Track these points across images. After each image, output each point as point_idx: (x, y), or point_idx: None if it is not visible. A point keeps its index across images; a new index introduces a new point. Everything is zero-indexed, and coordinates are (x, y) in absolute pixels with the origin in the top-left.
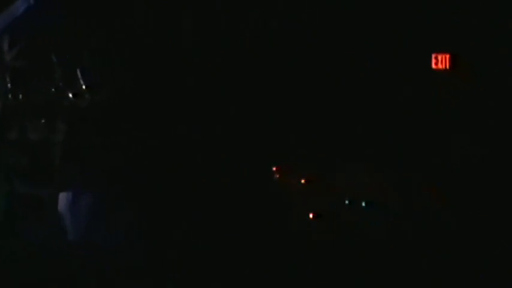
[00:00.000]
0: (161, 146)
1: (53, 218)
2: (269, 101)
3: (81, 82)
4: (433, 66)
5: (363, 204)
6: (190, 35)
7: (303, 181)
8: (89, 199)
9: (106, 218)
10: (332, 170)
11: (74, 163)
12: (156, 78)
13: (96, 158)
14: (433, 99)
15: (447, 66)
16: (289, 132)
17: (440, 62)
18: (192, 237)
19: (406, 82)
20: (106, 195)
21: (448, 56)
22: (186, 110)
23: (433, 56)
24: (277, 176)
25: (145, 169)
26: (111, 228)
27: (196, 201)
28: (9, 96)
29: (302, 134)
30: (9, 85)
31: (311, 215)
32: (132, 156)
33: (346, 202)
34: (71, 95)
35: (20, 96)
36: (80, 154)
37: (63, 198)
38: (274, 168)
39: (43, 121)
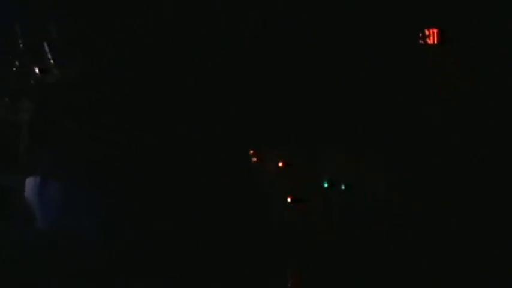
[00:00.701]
0: (135, 128)
1: (20, 205)
2: (245, 83)
3: (49, 56)
4: (421, 41)
5: (343, 187)
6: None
7: (280, 164)
8: (59, 185)
9: (77, 205)
10: (311, 152)
11: (42, 146)
12: (128, 54)
13: (66, 140)
14: (421, 76)
15: (435, 41)
16: (266, 114)
17: (429, 37)
18: (166, 221)
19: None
20: (77, 181)
21: (436, 31)
22: (160, 92)
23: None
24: (254, 159)
25: (120, 152)
26: (82, 216)
27: (171, 184)
28: None
29: (279, 116)
30: None
31: (289, 199)
32: (105, 137)
33: (325, 185)
34: (37, 71)
35: None
36: (49, 136)
37: (30, 183)
38: (251, 152)
39: (6, 100)
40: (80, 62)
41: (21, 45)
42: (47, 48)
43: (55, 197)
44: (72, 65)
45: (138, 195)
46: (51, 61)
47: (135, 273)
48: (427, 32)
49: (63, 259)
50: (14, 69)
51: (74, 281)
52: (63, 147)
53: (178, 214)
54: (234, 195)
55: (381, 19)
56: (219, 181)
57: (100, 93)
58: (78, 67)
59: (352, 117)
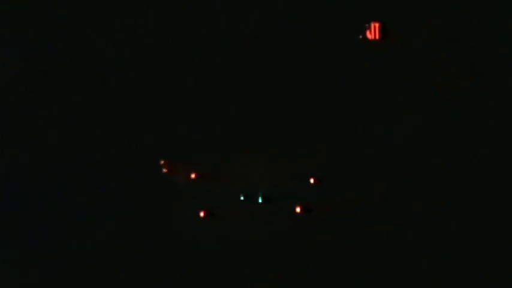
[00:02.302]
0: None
1: None
2: (155, 89)
3: None
4: (363, 36)
5: (260, 200)
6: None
7: (193, 176)
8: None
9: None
10: (225, 163)
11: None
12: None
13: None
14: (363, 71)
15: (377, 36)
16: (178, 122)
17: (371, 31)
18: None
19: (326, 55)
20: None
21: (378, 25)
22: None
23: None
24: (165, 170)
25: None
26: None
27: (72, 190)
28: None
29: (192, 124)
30: None
31: (202, 213)
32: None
33: (241, 198)
34: None
35: None
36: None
37: None
38: (162, 162)
39: None
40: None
41: None
42: None
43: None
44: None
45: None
46: None
47: None
48: (368, 27)
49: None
50: None
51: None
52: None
53: (80, 225)
54: (141, 207)
55: (320, 12)
56: (126, 193)
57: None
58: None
59: (273, 124)
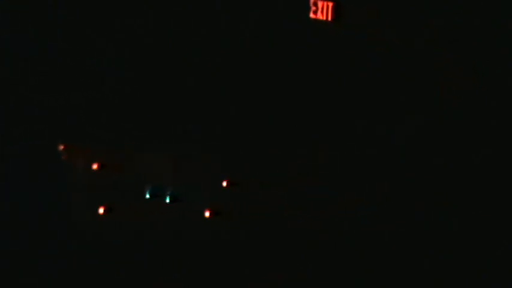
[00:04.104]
0: None
1: None
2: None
3: None
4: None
5: (167, 199)
6: None
7: (95, 166)
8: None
9: None
10: (133, 154)
11: None
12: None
13: None
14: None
15: (329, 17)
16: (80, 102)
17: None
18: None
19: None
20: None
21: (330, 5)
22: None
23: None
24: (64, 157)
25: None
26: None
27: None
28: None
29: (95, 106)
30: None
31: (102, 209)
32: None
33: (147, 196)
34: None
35: None
36: None
37: None
38: (61, 147)
39: None
40: None
41: None
42: None
43: None
44: None
45: None
46: None
47: None
48: (320, 5)
49: None
50: None
51: None
52: None
53: None
54: (35, 198)
55: None
56: (18, 183)
57: None
58: None
59: (194, 120)
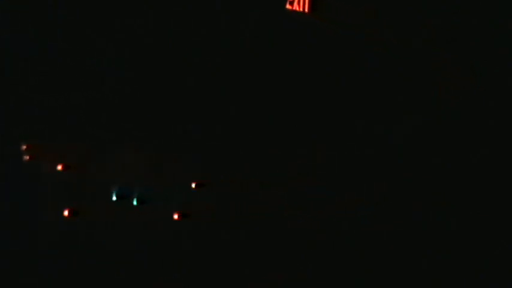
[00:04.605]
0: None
1: None
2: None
3: None
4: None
5: (134, 202)
6: None
7: (60, 167)
8: None
9: None
10: (99, 154)
11: None
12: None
13: None
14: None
15: (305, 9)
16: (43, 102)
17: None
18: None
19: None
20: None
21: None
22: None
23: None
24: (27, 157)
25: None
26: None
27: None
28: None
29: (60, 106)
30: None
31: (66, 212)
32: None
33: (114, 198)
34: None
35: None
36: None
37: None
38: (24, 147)
39: None
40: None
41: None
42: None
43: None
44: None
45: None
46: None
47: None
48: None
49: None
50: None
51: None
52: None
53: None
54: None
55: None
56: None
57: None
58: None
59: (167, 119)
